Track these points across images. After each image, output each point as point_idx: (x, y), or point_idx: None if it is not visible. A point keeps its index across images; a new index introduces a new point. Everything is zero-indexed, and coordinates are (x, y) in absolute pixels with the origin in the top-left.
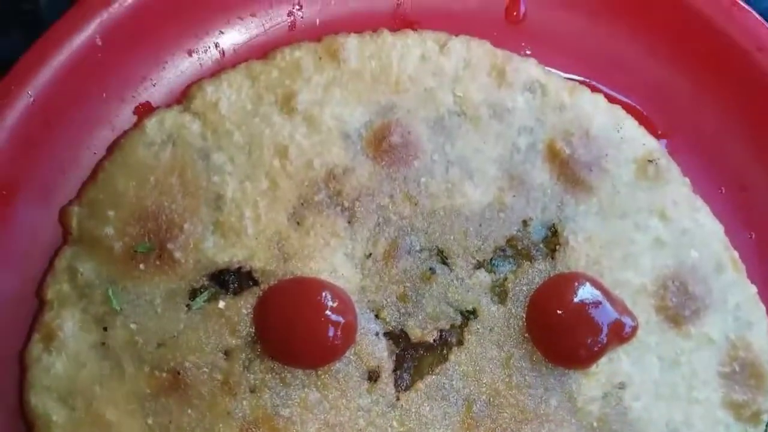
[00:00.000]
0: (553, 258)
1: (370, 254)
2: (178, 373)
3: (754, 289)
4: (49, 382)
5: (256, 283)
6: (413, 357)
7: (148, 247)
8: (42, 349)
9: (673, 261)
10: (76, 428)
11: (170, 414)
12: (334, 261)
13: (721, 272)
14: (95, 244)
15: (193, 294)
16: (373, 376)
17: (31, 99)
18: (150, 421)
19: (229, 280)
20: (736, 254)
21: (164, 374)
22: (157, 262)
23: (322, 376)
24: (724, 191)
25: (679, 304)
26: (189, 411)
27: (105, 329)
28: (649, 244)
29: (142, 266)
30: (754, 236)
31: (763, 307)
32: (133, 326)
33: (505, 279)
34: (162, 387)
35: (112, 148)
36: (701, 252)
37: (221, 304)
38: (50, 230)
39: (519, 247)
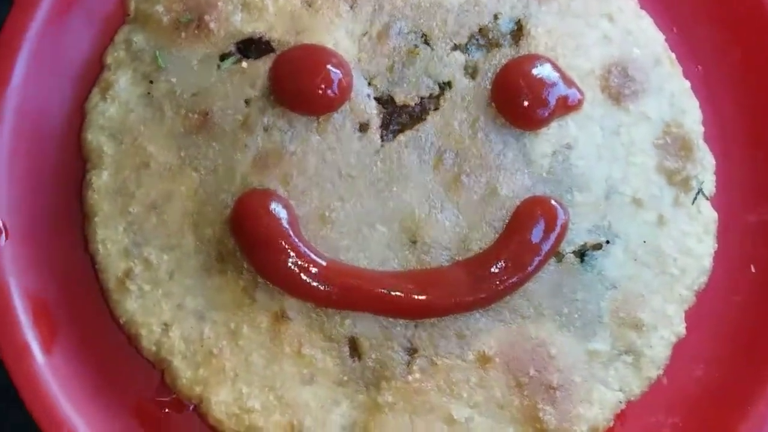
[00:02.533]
0: (517, 45)
1: (366, 32)
2: (207, 114)
3: (687, 83)
4: (103, 122)
5: (273, 50)
6: (398, 120)
7: (189, 18)
8: (99, 98)
9: (618, 53)
10: (123, 158)
11: (198, 147)
12: (337, 36)
13: (658, 66)
14: (147, 20)
15: (223, 57)
16: (363, 128)
17: None
18: (182, 153)
19: (252, 47)
20: (673, 56)
21: (196, 116)
22: (196, 32)
23: (322, 123)
24: (676, 30)
25: (620, 85)
26: (214, 144)
27: (151, 82)
28: (598, 39)
29: (183, 35)
30: (701, 68)
31: (696, 101)
32: (173, 80)
33: (477, 61)
34: (193, 126)
35: None
36: (642, 50)
37: (244, 64)
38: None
39: (490, 37)
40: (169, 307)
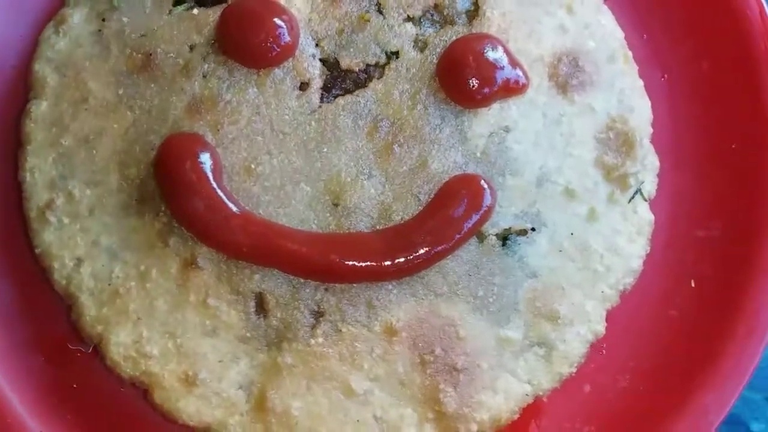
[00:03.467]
0: (470, 24)
1: None
2: (150, 55)
3: (640, 82)
4: (51, 55)
5: (225, 1)
6: (341, 85)
7: None
8: (53, 31)
9: (571, 44)
10: (63, 91)
11: (138, 87)
12: None
13: (612, 62)
14: None
15: (177, 3)
16: (303, 87)
17: None
18: (121, 92)
19: None
20: (630, 54)
21: (140, 56)
22: None
23: (262, 76)
24: (645, 37)
25: (568, 74)
26: (152, 85)
27: (103, 20)
28: (553, 27)
29: None
30: (666, 78)
31: (649, 101)
32: (125, 20)
33: (429, 36)
34: (136, 66)
35: None
36: (598, 44)
37: (195, 11)
38: None
39: (445, 13)
40: (84, 242)
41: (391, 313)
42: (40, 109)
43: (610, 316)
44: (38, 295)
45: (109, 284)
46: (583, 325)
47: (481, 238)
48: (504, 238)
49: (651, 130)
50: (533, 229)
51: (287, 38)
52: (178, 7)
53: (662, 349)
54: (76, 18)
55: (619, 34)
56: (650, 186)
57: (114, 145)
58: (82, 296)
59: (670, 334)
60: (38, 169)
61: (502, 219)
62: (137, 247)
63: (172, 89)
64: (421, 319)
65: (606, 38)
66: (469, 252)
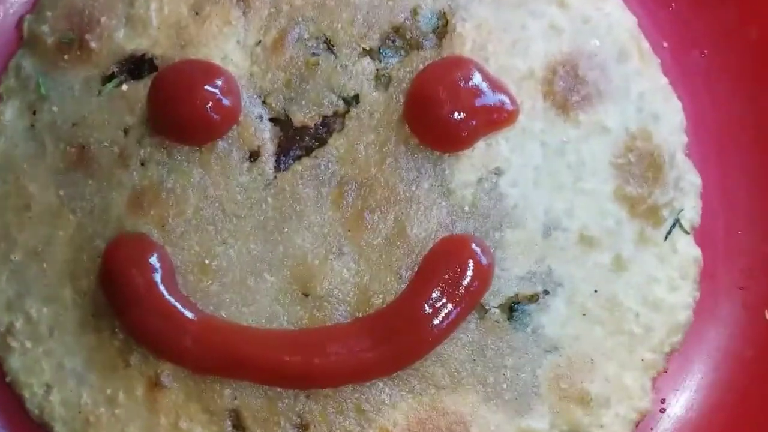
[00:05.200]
0: (440, 46)
1: (260, 42)
2: (84, 147)
3: (664, 80)
4: None
5: (155, 68)
6: (298, 145)
7: (71, 38)
8: None
9: (567, 47)
10: (4, 200)
11: (76, 185)
12: (226, 48)
13: (624, 61)
14: (36, 42)
15: (105, 81)
16: (253, 156)
17: None
18: (61, 193)
19: (134, 67)
20: (646, 45)
21: (73, 149)
22: (78, 52)
23: (205, 153)
24: (674, 6)
25: (567, 89)
26: (90, 182)
27: (34, 113)
28: (542, 31)
29: (66, 57)
30: (706, 54)
31: (678, 102)
32: (55, 109)
33: (392, 68)
34: (72, 161)
35: None
36: (603, 41)
37: (124, 87)
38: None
39: (408, 37)
40: (49, 366)
41: (385, 417)
42: None
43: (662, 383)
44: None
45: (80, 412)
46: (622, 403)
47: (482, 313)
48: (510, 308)
49: (685, 138)
50: (546, 292)
51: (226, 102)
52: (108, 84)
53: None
54: (9, 114)
55: (630, 21)
56: (692, 213)
57: (63, 254)
58: (56, 426)
59: (745, 378)
60: None
61: (504, 285)
62: (100, 368)
63: (110, 184)
64: (422, 420)
65: (613, 31)
66: (469, 332)
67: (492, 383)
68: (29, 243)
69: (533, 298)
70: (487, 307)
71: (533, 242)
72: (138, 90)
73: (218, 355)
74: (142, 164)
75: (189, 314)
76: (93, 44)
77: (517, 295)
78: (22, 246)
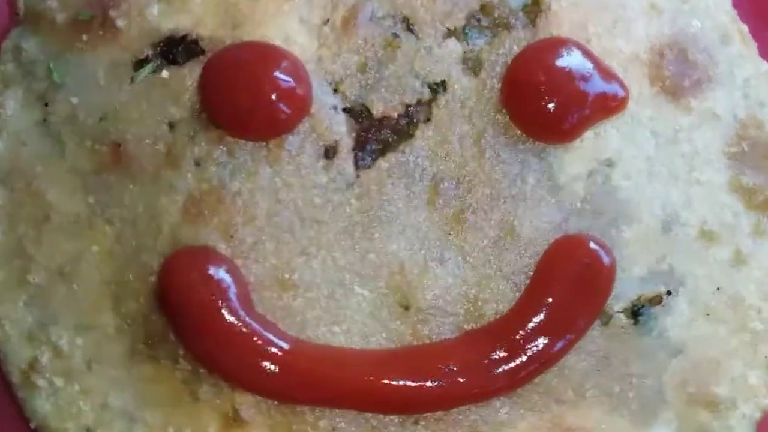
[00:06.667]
0: (534, 26)
1: (328, 20)
2: (119, 146)
3: (766, 65)
4: None
5: (202, 52)
6: (377, 138)
7: (90, 15)
8: None
9: (669, 29)
10: (16, 210)
11: (111, 190)
12: (288, 27)
13: (727, 44)
14: (39, 19)
15: (138, 66)
16: (330, 153)
17: None
18: (91, 200)
19: (177, 49)
20: (745, 28)
21: (105, 148)
22: (100, 32)
23: (273, 150)
24: None
25: (678, 74)
26: (131, 186)
27: (46, 105)
28: (642, 9)
29: (84, 37)
30: None
31: None
32: (74, 100)
33: (480, 50)
34: (103, 162)
35: None
36: (704, 23)
37: (165, 73)
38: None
39: (495, 15)
40: (89, 407)
41: None
42: None
43: None
44: None
45: None
46: (747, 403)
47: (606, 319)
48: (634, 313)
49: None
50: (669, 293)
51: (297, 91)
52: (141, 70)
53: None
54: (10, 107)
55: (727, 1)
56: None
57: (99, 274)
58: None
59: None
60: (8, 320)
61: (626, 288)
62: (160, 403)
63: (158, 188)
64: None
65: (712, 12)
66: (593, 341)
67: (618, 393)
68: (52, 261)
69: (656, 300)
70: (610, 313)
71: (652, 239)
72: (183, 77)
73: (309, 381)
74: (197, 164)
75: (271, 336)
76: (119, 22)
77: (640, 297)
78: (43, 264)
